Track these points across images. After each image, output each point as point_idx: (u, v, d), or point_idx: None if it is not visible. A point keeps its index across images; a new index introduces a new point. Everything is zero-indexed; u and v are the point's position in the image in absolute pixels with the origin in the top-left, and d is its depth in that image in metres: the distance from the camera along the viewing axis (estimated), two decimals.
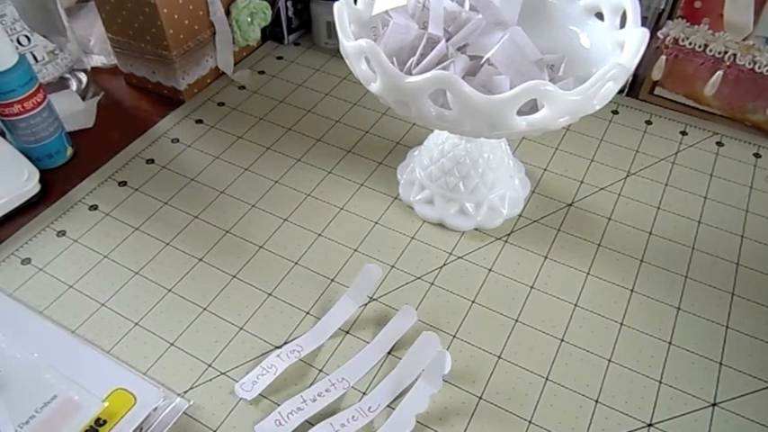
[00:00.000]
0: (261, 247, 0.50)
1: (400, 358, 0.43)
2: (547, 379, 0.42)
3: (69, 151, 0.58)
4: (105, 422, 0.37)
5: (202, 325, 0.45)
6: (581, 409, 0.40)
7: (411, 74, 0.42)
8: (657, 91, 0.62)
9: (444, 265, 0.49)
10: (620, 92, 0.63)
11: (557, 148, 0.59)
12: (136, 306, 0.46)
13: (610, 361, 0.43)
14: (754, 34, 0.55)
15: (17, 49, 0.52)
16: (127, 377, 0.40)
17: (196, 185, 0.56)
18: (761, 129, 0.60)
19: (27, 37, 0.58)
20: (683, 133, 0.60)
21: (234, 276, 0.48)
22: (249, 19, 0.66)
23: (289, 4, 0.70)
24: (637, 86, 0.64)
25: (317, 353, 0.43)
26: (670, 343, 0.44)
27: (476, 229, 0.51)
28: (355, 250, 0.50)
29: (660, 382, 0.42)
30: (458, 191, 0.50)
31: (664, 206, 0.53)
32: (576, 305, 0.46)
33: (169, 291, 0.47)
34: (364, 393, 0.41)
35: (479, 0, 0.45)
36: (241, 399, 0.41)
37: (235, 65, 0.68)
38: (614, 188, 0.55)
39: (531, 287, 0.47)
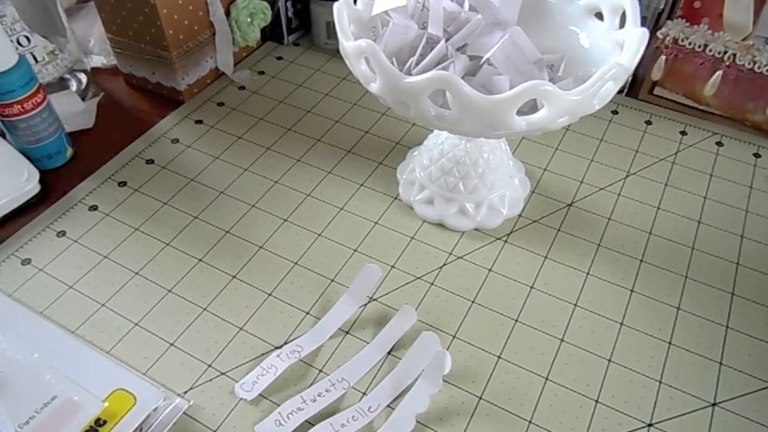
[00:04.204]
0: (261, 247, 0.50)
1: (400, 358, 0.43)
2: (547, 379, 0.42)
3: (69, 152, 0.58)
4: (105, 422, 0.37)
5: (202, 325, 0.45)
6: (581, 409, 0.40)
7: (411, 74, 0.42)
8: (657, 91, 0.62)
9: (444, 265, 0.49)
10: (620, 92, 0.63)
11: (556, 148, 0.59)
12: (136, 306, 0.46)
13: (610, 361, 0.43)
14: (754, 34, 0.55)
15: (17, 49, 0.52)
16: (127, 377, 0.40)
17: (196, 186, 0.56)
18: (761, 129, 0.60)
19: (27, 37, 0.58)
20: (683, 133, 0.60)
21: (234, 276, 0.48)
22: (249, 19, 0.66)
23: (288, 4, 0.70)
24: (636, 86, 0.64)
25: (317, 353, 0.43)
26: (670, 343, 0.44)
27: (476, 229, 0.51)
28: (355, 250, 0.50)
29: (660, 382, 0.42)
30: (457, 191, 0.50)
31: (664, 206, 0.53)
32: (575, 305, 0.46)
33: (169, 291, 0.47)
34: (364, 393, 0.41)
35: (479, 0, 0.45)
36: (241, 399, 0.41)
37: (234, 65, 0.68)
38: (614, 188, 0.55)
39: (531, 287, 0.47)
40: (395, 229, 0.52)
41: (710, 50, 0.57)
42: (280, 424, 0.39)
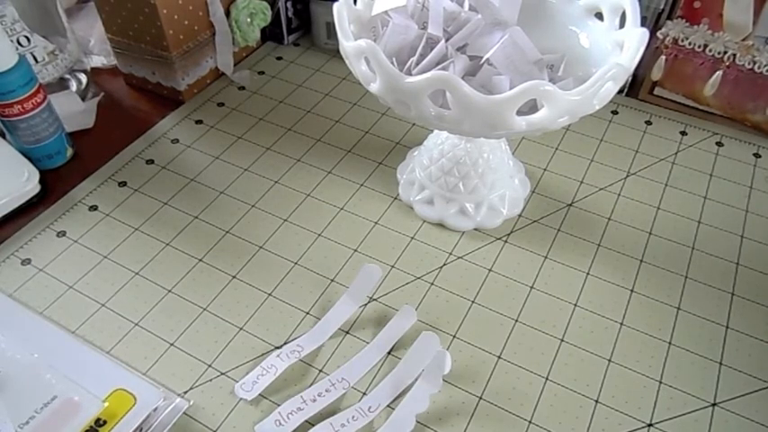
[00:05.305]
0: (261, 247, 0.50)
1: (400, 358, 0.43)
2: (547, 379, 0.42)
3: (69, 152, 0.58)
4: (105, 422, 0.37)
5: (202, 325, 0.45)
6: (581, 409, 0.40)
7: (410, 74, 0.42)
8: (657, 91, 0.63)
9: (444, 265, 0.49)
10: (620, 92, 0.63)
11: (557, 148, 0.59)
12: (136, 306, 0.46)
13: (610, 361, 0.43)
14: (754, 34, 0.55)
15: (17, 49, 0.52)
16: (127, 377, 0.40)
17: (196, 186, 0.56)
18: (761, 129, 0.60)
19: (27, 38, 0.58)
20: (683, 133, 0.60)
21: (234, 276, 0.48)
22: (249, 19, 0.66)
23: (288, 4, 0.70)
24: (636, 86, 0.64)
25: (317, 353, 0.43)
26: (670, 343, 0.44)
27: (476, 229, 0.51)
28: (355, 250, 0.50)
29: (660, 382, 0.42)
30: (457, 191, 0.50)
31: (664, 206, 0.53)
32: (575, 305, 0.46)
33: (169, 291, 0.47)
34: (364, 393, 0.41)
35: (479, 0, 0.45)
36: (241, 399, 0.41)
37: (234, 65, 0.68)
38: (614, 188, 0.55)
39: (531, 287, 0.47)
40: (395, 229, 0.52)
41: (710, 50, 0.57)
42: (280, 424, 0.39)
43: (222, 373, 0.42)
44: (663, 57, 0.59)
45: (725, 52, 0.56)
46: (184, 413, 0.40)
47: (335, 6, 0.42)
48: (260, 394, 0.41)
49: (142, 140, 0.60)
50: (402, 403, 0.40)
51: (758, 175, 0.56)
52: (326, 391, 0.41)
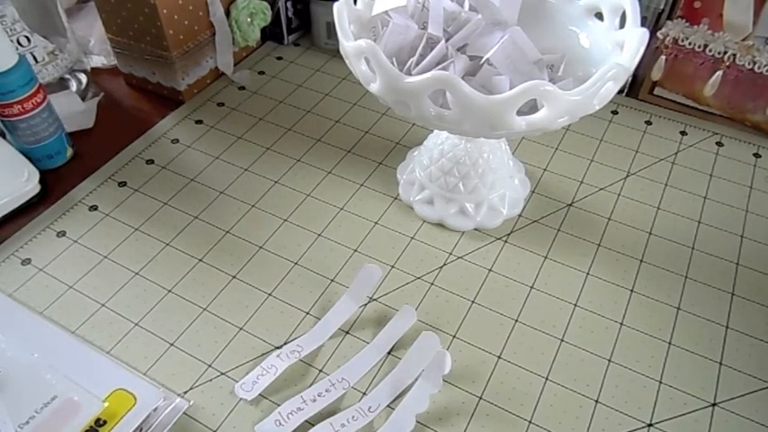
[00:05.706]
0: (261, 247, 0.50)
1: (400, 358, 0.43)
2: (547, 379, 0.42)
3: (69, 152, 0.58)
4: (105, 422, 0.37)
5: (202, 325, 0.45)
6: (581, 409, 0.40)
7: (411, 74, 0.42)
8: (657, 91, 0.63)
9: (444, 265, 0.49)
10: (620, 92, 0.63)
11: (557, 148, 0.59)
12: (136, 306, 0.46)
13: (610, 361, 0.43)
14: (754, 34, 0.55)
15: (17, 49, 0.52)
16: (127, 377, 0.40)
17: (196, 186, 0.56)
18: (761, 129, 0.60)
19: (27, 38, 0.58)
20: (683, 133, 0.61)
21: (234, 276, 0.48)
22: (249, 19, 0.66)
23: (288, 4, 0.70)
24: (636, 86, 0.64)
25: (317, 353, 0.43)
26: (670, 343, 0.44)
27: (476, 230, 0.51)
28: (355, 250, 0.50)
29: (660, 382, 0.42)
30: (457, 191, 0.50)
31: (664, 206, 0.53)
32: (575, 305, 0.46)
33: (169, 291, 0.47)
34: (364, 393, 0.41)
35: (479, 0, 0.45)
36: (241, 399, 0.41)
37: (234, 65, 0.68)
38: (614, 188, 0.55)
39: (531, 287, 0.47)
40: (395, 229, 0.52)
41: (710, 50, 0.57)
42: (280, 424, 0.39)
43: (222, 373, 0.42)
44: (663, 57, 0.59)
45: (725, 52, 0.56)
46: (184, 413, 0.40)
47: (335, 6, 0.42)
48: (260, 394, 0.41)
49: (142, 140, 0.60)
50: (402, 403, 0.40)
51: (758, 175, 0.56)
52: (326, 391, 0.41)
